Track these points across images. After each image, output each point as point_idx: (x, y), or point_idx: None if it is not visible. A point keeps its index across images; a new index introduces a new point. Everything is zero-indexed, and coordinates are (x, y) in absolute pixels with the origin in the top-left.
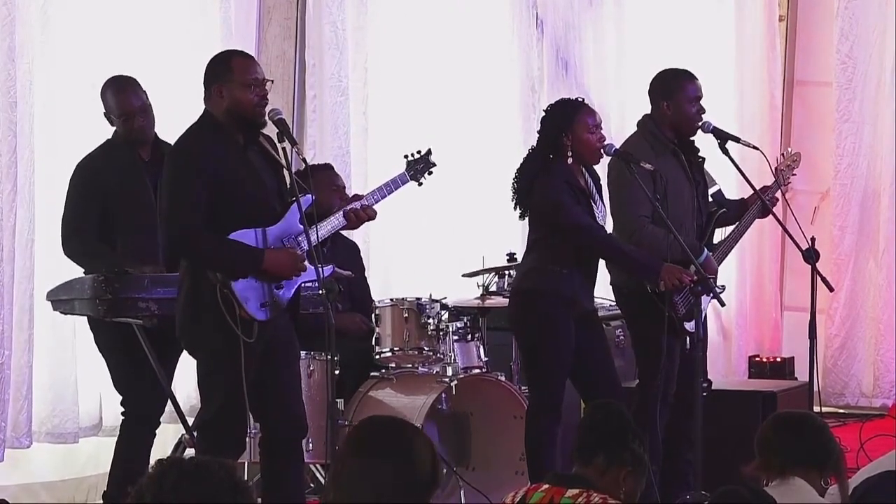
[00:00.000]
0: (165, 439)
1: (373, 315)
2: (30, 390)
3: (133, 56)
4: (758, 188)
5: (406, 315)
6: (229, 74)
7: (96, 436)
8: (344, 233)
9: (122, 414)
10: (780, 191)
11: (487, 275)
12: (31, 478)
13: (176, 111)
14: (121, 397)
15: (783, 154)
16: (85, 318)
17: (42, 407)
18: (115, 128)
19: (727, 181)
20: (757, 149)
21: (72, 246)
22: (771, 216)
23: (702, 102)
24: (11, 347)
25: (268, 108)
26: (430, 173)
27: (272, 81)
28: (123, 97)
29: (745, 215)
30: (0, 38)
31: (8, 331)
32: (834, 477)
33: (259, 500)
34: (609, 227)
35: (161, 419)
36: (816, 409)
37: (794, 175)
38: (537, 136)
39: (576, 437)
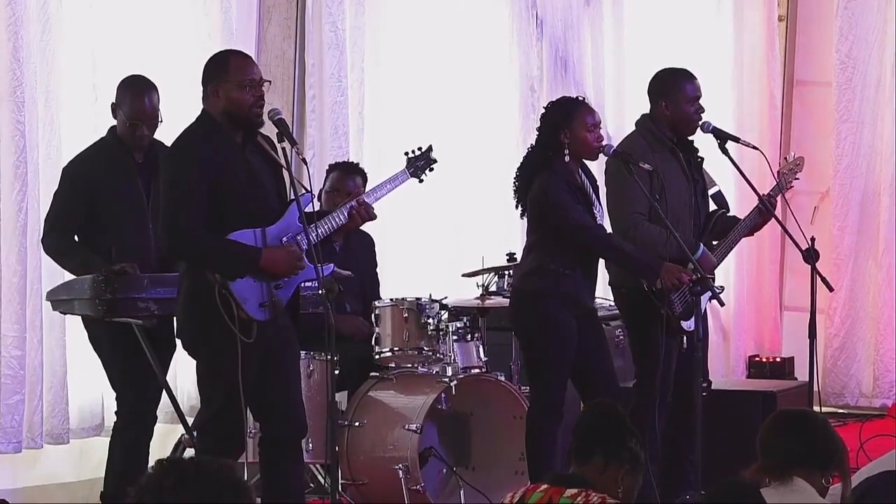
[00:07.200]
0: (165, 439)
1: (373, 315)
2: (42, 390)
3: (135, 55)
4: (757, 189)
5: (406, 315)
6: (226, 74)
7: (98, 436)
8: None
9: (116, 413)
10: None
11: (487, 275)
12: (47, 478)
13: (176, 111)
14: (115, 395)
15: (786, 158)
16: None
17: (45, 407)
18: (116, 120)
19: (727, 181)
20: (757, 149)
21: (49, 242)
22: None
23: (701, 102)
24: (25, 347)
25: (267, 108)
26: (431, 170)
27: (269, 82)
28: (138, 101)
29: (745, 217)
30: (6, 38)
31: (20, 330)
32: (838, 474)
33: (259, 500)
34: (607, 226)
35: (160, 419)
36: (816, 409)
37: (796, 179)
38: (537, 133)
39: (573, 437)
